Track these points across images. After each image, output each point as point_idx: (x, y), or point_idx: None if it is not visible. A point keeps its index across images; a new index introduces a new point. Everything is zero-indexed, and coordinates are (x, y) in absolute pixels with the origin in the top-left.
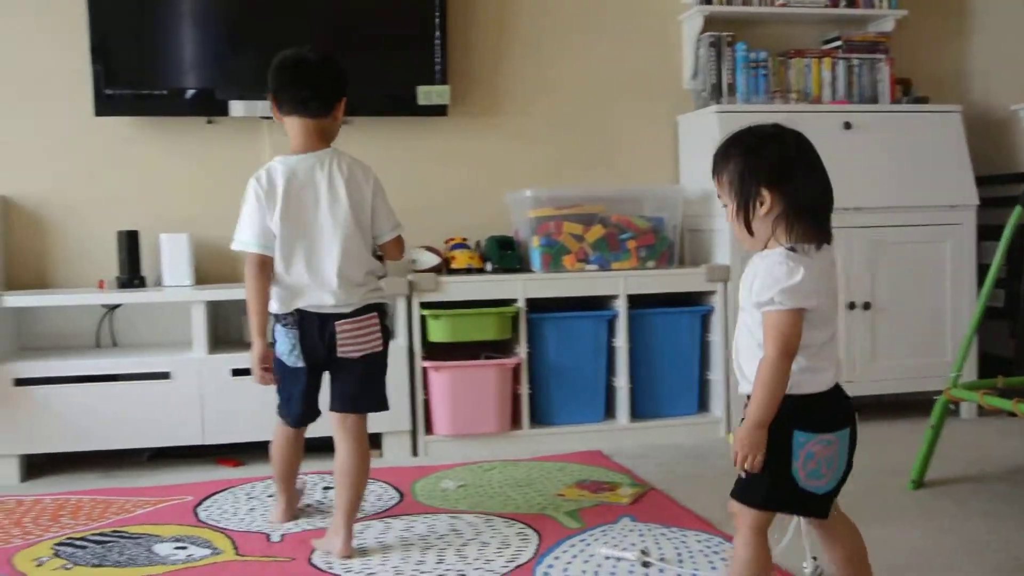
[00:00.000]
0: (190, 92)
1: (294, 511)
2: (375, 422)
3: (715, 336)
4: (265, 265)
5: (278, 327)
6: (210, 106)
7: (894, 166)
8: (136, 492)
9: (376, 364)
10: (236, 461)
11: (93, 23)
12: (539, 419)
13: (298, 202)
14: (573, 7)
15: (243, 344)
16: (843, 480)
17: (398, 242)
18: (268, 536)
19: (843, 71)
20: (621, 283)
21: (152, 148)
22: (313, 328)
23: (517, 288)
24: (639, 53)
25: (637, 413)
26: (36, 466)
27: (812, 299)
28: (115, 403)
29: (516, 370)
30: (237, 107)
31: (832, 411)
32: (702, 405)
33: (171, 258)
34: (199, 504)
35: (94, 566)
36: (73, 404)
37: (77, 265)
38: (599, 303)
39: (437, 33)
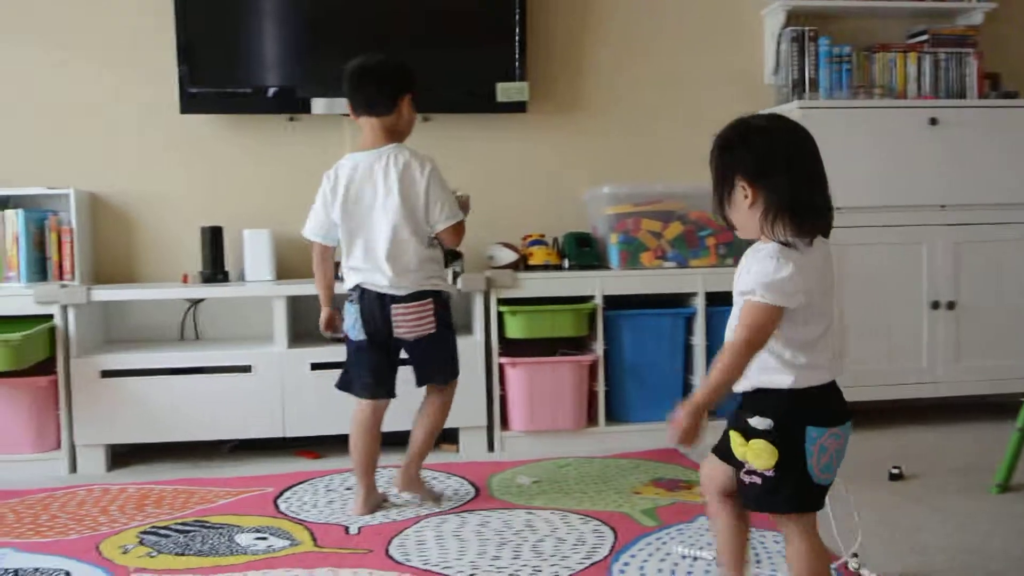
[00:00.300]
0: (272, 90)
1: (373, 503)
2: (452, 418)
3: None
4: (325, 252)
5: (346, 303)
6: (292, 104)
7: (981, 163)
8: (218, 483)
9: (436, 344)
10: (315, 454)
11: (180, 23)
12: (615, 416)
13: (357, 194)
14: (654, 2)
15: (322, 339)
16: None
17: (454, 230)
18: (346, 528)
19: (929, 65)
20: (699, 280)
21: (235, 145)
22: (374, 306)
23: (594, 285)
24: (720, 48)
25: (714, 411)
26: (121, 456)
27: (797, 297)
28: (198, 395)
29: (593, 367)
30: (318, 104)
31: (836, 404)
32: None
33: (253, 253)
34: (279, 496)
35: (177, 554)
36: (157, 396)
37: (162, 260)
38: (677, 300)
39: (517, 30)
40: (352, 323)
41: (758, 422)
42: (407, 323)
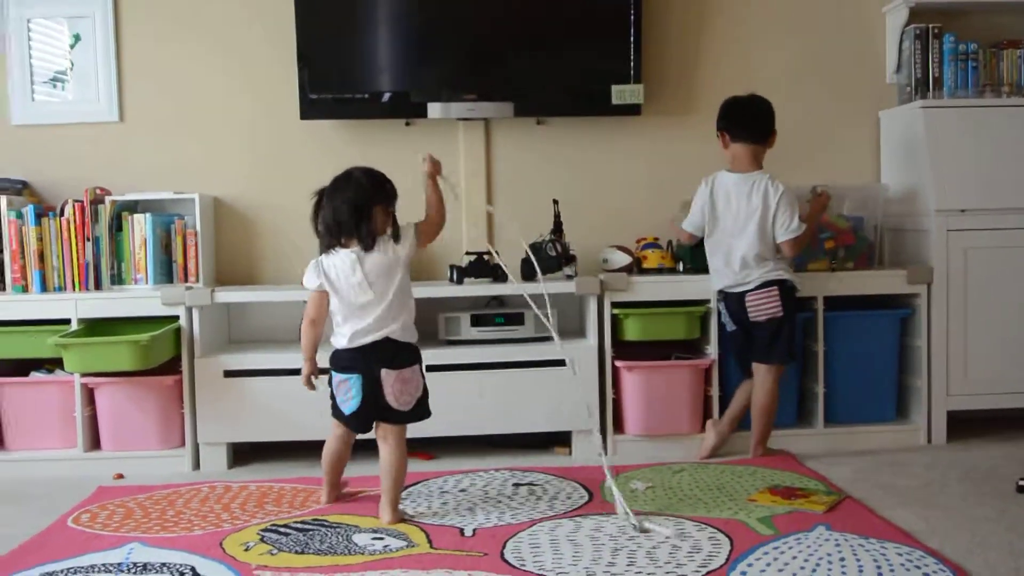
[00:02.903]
0: (388, 95)
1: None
2: (563, 421)
3: (917, 340)
4: (691, 239)
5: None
6: (408, 108)
7: None
8: None
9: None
10: (429, 455)
11: (300, 30)
12: (735, 426)
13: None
14: (771, 2)
15: (437, 341)
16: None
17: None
18: (461, 530)
19: None
20: (818, 284)
21: (353, 150)
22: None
23: (708, 288)
24: (840, 47)
25: (830, 418)
26: (242, 454)
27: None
28: (316, 395)
29: (708, 371)
30: (434, 109)
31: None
32: (900, 412)
33: None
34: None
35: (297, 553)
36: (277, 396)
37: (282, 263)
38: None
39: (632, 31)
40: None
41: None
42: (756, 309)
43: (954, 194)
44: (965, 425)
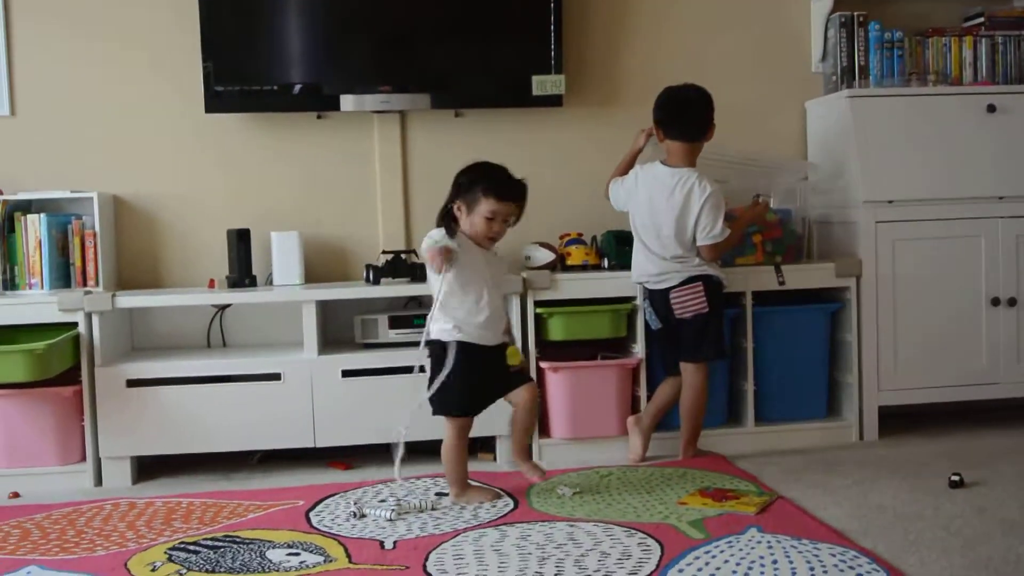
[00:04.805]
0: (299, 87)
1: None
2: (487, 426)
3: (848, 335)
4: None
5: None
6: (320, 101)
7: None
8: (247, 496)
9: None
10: (347, 464)
11: (205, 18)
12: (658, 422)
13: None
14: None
15: (353, 345)
16: None
17: None
18: (381, 543)
19: (986, 50)
20: (746, 279)
21: (262, 145)
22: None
23: (634, 285)
24: (764, 36)
25: (761, 416)
26: (147, 468)
27: None
28: (225, 405)
29: (635, 371)
30: (347, 101)
31: None
32: (831, 408)
33: (281, 256)
34: (311, 509)
35: (208, 571)
36: (184, 406)
37: (188, 264)
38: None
39: (552, 20)
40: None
41: None
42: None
43: (882, 185)
44: (896, 420)
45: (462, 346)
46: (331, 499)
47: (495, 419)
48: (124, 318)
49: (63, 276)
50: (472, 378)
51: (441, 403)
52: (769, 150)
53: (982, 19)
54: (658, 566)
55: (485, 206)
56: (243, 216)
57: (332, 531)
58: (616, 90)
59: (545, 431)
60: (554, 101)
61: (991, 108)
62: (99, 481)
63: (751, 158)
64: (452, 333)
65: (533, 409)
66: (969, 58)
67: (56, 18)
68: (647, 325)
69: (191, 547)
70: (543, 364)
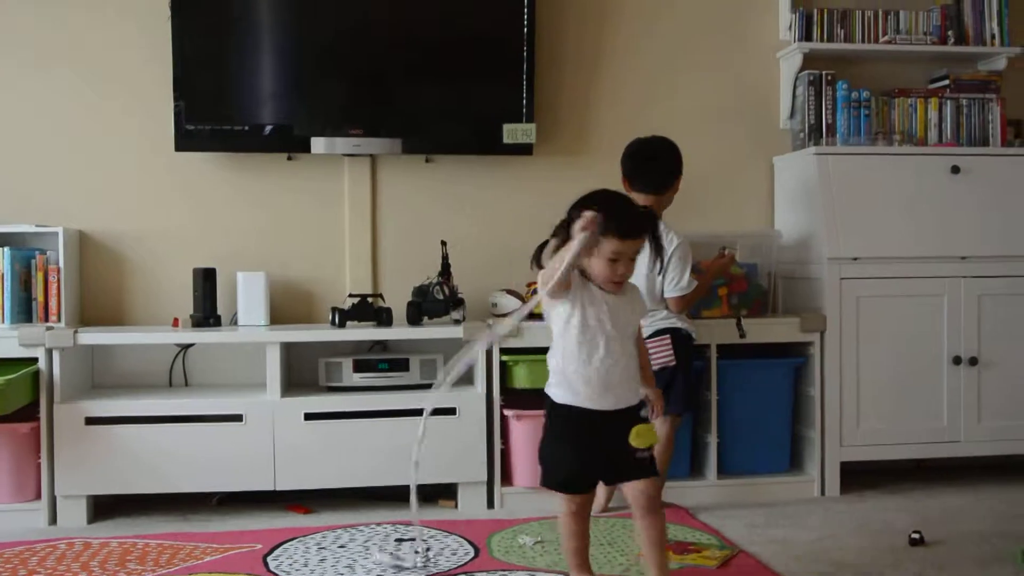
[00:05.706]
0: (270, 128)
1: None
2: (449, 472)
3: (811, 389)
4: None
5: None
6: (291, 142)
7: (1005, 213)
8: (205, 538)
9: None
10: (306, 508)
11: (177, 57)
12: None
13: None
14: (666, 44)
15: (316, 387)
16: None
17: None
18: None
19: (951, 111)
20: (711, 332)
21: (231, 184)
22: None
23: None
24: (733, 92)
25: (724, 469)
26: (104, 507)
27: None
28: (186, 445)
29: None
30: (318, 144)
31: None
32: (794, 462)
33: (247, 297)
34: (269, 553)
35: None
36: (143, 445)
37: (152, 302)
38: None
39: (524, 69)
40: None
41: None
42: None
43: (846, 242)
44: (858, 476)
45: (560, 408)
46: (289, 543)
47: (455, 466)
48: (86, 355)
49: (25, 311)
50: (564, 448)
51: (541, 469)
52: (736, 204)
53: (947, 82)
54: None
55: (607, 247)
56: (210, 255)
57: None
58: (586, 139)
59: (508, 479)
60: (524, 150)
61: (955, 169)
62: (54, 520)
63: (716, 234)
64: (552, 388)
65: (657, 535)
66: (934, 119)
67: (25, 51)
68: None
69: None
70: (507, 411)
